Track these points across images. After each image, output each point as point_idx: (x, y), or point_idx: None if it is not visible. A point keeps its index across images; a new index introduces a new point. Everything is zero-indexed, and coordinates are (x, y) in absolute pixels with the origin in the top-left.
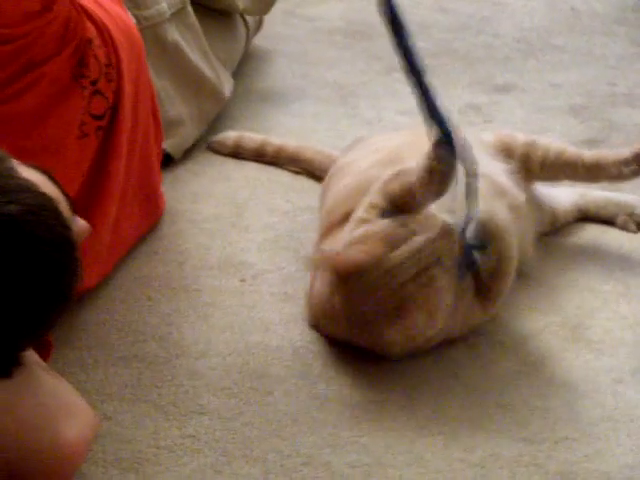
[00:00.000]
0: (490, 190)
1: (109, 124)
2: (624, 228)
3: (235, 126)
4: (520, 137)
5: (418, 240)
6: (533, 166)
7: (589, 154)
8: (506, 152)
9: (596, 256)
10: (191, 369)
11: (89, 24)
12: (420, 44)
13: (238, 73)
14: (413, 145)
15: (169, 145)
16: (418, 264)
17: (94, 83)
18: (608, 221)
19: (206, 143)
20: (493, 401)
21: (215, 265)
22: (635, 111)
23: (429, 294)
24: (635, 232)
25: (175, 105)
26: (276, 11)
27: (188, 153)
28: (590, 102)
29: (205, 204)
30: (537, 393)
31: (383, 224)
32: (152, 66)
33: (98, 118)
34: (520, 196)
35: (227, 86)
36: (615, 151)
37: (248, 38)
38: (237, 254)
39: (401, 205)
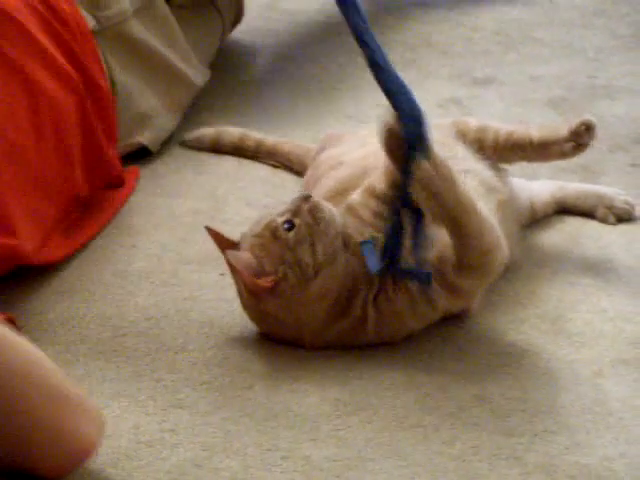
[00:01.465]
0: (480, 187)
1: None
2: (603, 221)
3: (214, 121)
4: (472, 122)
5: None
6: (486, 149)
7: (537, 134)
8: (460, 137)
9: (576, 249)
10: (171, 363)
11: None
12: (399, 37)
13: (217, 67)
14: None
15: (146, 139)
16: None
17: None
18: (587, 213)
19: (181, 140)
20: (472, 394)
21: (194, 259)
22: (614, 103)
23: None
24: (615, 224)
25: (147, 99)
26: (256, 5)
27: (166, 147)
28: (570, 94)
29: (184, 198)
30: (516, 386)
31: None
32: (119, 62)
33: None
34: (506, 192)
35: (200, 76)
36: (557, 129)
37: (224, 29)
38: (216, 248)
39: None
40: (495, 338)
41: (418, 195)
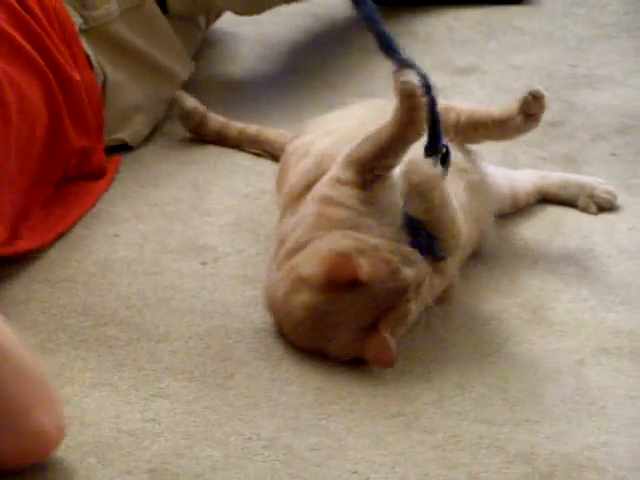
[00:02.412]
0: (450, 168)
1: None
2: (585, 210)
3: None
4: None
5: (412, 274)
6: (449, 129)
7: (497, 112)
8: None
9: (557, 238)
10: (152, 352)
11: None
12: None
13: (198, 57)
14: (371, 122)
15: (127, 135)
16: (415, 290)
17: None
18: (569, 203)
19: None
20: (454, 383)
21: (176, 248)
22: (596, 92)
23: (401, 320)
24: (596, 214)
25: (130, 95)
26: None
27: (148, 137)
28: (551, 84)
29: (166, 187)
30: (498, 375)
31: (379, 241)
32: (106, 60)
33: None
34: (477, 174)
35: (184, 69)
36: (512, 104)
37: (208, 22)
38: (198, 237)
39: (374, 169)
40: (476, 327)
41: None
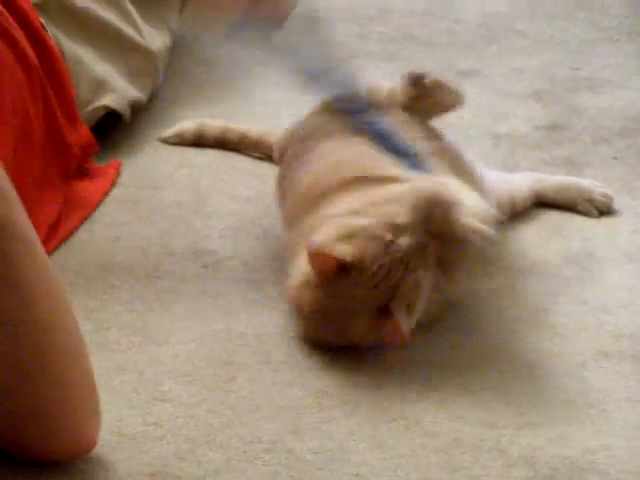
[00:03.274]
0: (449, 169)
1: None
2: (586, 214)
3: (196, 114)
4: (384, 86)
5: (406, 242)
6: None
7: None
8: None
9: (558, 241)
10: (154, 356)
11: None
12: (381, 29)
13: (199, 59)
14: None
15: (110, 101)
16: (406, 267)
17: None
18: (566, 206)
19: (161, 138)
20: (455, 386)
21: (177, 252)
22: (597, 95)
23: (411, 293)
24: (598, 217)
25: (98, 64)
26: None
27: (148, 140)
28: (552, 87)
29: (167, 191)
30: (499, 378)
31: (368, 221)
32: (65, 33)
33: None
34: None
35: (155, 42)
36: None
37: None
38: (199, 241)
39: None
40: (477, 331)
41: None
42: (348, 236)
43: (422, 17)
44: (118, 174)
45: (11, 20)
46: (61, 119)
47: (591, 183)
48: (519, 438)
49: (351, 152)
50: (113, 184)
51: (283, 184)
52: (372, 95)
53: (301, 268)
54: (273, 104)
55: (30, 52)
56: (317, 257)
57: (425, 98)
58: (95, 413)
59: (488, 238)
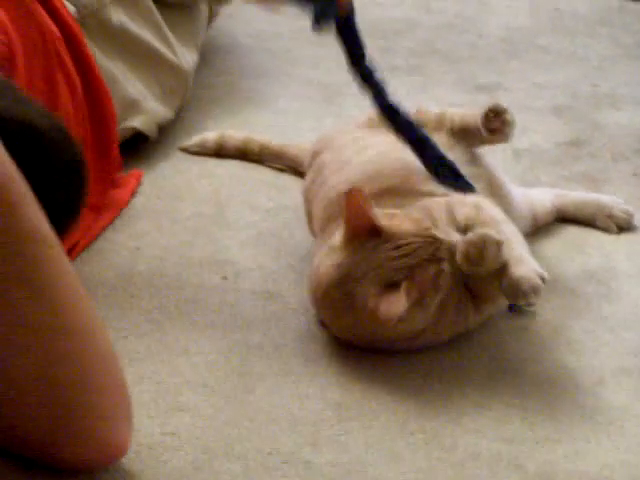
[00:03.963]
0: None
1: None
2: (606, 230)
3: (217, 124)
4: (432, 110)
5: (443, 235)
6: (443, 135)
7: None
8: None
9: (578, 257)
10: (172, 366)
11: None
12: (404, 44)
13: (220, 70)
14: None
15: (139, 123)
16: (433, 254)
17: None
18: (587, 222)
19: (183, 147)
20: (473, 401)
21: (197, 263)
22: (618, 112)
23: (426, 285)
24: (618, 233)
25: (132, 84)
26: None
27: (169, 150)
28: (573, 103)
29: (187, 201)
30: (517, 393)
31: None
32: (100, 50)
33: None
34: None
35: (187, 60)
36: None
37: (212, 12)
38: (219, 252)
39: None
40: (496, 346)
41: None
42: (390, 214)
43: (445, 31)
44: (139, 184)
45: (61, 39)
46: (99, 145)
47: (611, 199)
48: (536, 453)
49: (388, 163)
50: (134, 194)
51: (312, 188)
52: (419, 116)
53: (330, 242)
54: (294, 115)
55: (74, 73)
56: (354, 205)
57: (493, 131)
58: (126, 418)
59: (537, 292)
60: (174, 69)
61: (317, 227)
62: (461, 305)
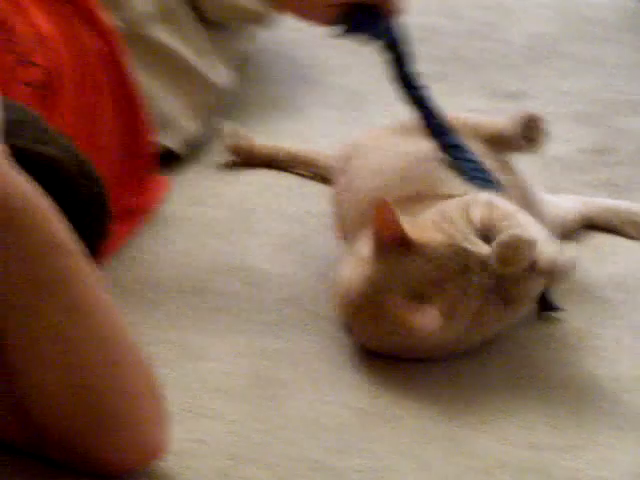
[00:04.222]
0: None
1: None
2: (633, 237)
3: (246, 132)
4: (463, 117)
5: (472, 248)
6: (472, 142)
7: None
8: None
9: (605, 264)
10: (199, 373)
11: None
12: (428, 51)
13: (247, 78)
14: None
15: (171, 142)
16: (463, 266)
17: (24, 53)
18: (613, 229)
19: (209, 157)
20: (499, 408)
21: (223, 269)
22: None
23: (457, 298)
24: None
25: (168, 101)
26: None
27: (195, 157)
28: (597, 109)
29: (214, 208)
30: (543, 399)
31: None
32: (142, 65)
33: (32, 86)
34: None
35: (223, 78)
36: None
37: (249, 34)
38: (245, 258)
39: None
40: (521, 352)
41: None
42: (417, 224)
43: (470, 38)
44: (166, 190)
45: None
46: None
47: (637, 206)
48: (562, 460)
49: (415, 169)
50: (161, 200)
51: (342, 193)
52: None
53: (358, 251)
54: (321, 122)
55: (116, 88)
56: (384, 217)
57: (526, 139)
58: (160, 421)
59: (567, 276)
60: (211, 87)
61: (347, 232)
62: (492, 310)
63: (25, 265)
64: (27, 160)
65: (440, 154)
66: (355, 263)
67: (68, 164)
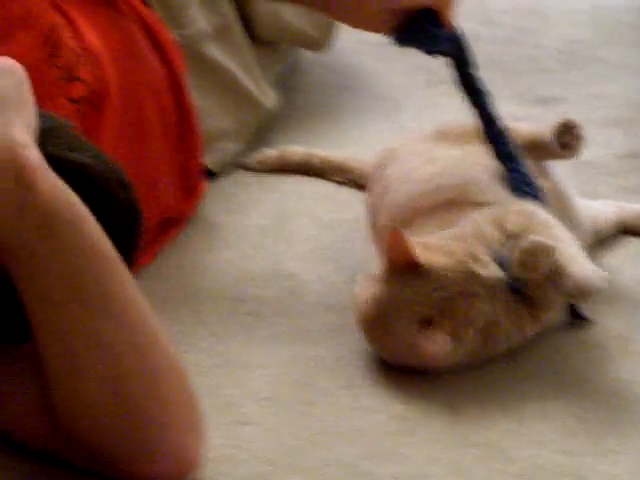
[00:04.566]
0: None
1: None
2: None
3: (278, 138)
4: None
5: (480, 271)
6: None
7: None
8: None
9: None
10: (235, 380)
11: (55, 13)
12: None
13: (281, 85)
14: (471, 153)
15: (209, 161)
16: (467, 288)
17: (70, 68)
18: None
19: (243, 164)
20: (534, 412)
21: (259, 276)
22: None
23: (462, 319)
24: None
25: (216, 120)
26: None
27: (232, 164)
28: (633, 114)
29: (249, 215)
30: (580, 405)
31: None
32: (193, 82)
33: (77, 102)
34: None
35: (271, 99)
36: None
37: (295, 50)
38: (281, 265)
39: None
40: (557, 358)
41: None
42: (430, 248)
43: (505, 44)
44: (202, 197)
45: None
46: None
47: None
48: (599, 466)
49: (449, 176)
50: (198, 208)
51: (377, 200)
52: None
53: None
54: (354, 128)
55: (170, 104)
56: (396, 243)
57: (564, 145)
58: (198, 432)
59: (597, 289)
60: (257, 107)
61: (381, 239)
62: (515, 318)
63: (68, 271)
64: (60, 167)
65: (489, 161)
66: (370, 281)
67: (100, 171)
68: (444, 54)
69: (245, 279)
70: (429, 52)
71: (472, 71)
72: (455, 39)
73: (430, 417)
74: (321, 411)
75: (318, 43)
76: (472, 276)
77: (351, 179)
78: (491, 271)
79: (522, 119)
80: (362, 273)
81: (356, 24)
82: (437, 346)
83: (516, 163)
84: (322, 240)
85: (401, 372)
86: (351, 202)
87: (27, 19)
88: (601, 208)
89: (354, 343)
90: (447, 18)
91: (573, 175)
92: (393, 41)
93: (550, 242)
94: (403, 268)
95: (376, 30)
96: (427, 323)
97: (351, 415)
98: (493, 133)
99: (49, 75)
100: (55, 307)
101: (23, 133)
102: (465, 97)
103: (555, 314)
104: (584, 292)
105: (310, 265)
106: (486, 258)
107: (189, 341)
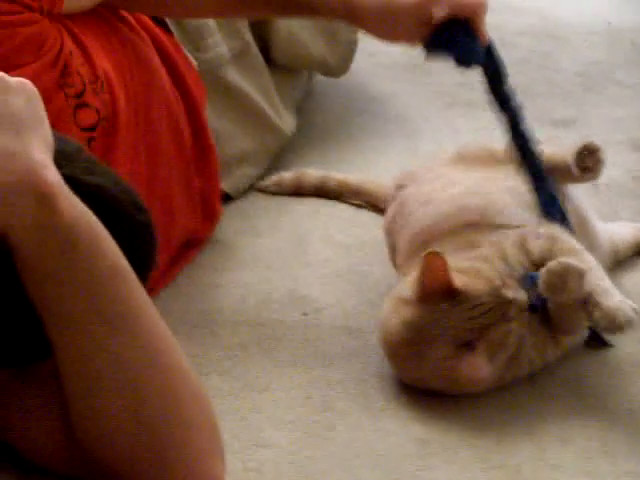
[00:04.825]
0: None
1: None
2: None
3: (296, 161)
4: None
5: (512, 294)
6: None
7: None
8: None
9: None
10: (254, 403)
11: (66, 38)
12: (480, 78)
13: (299, 108)
14: (492, 177)
15: (227, 186)
16: (504, 314)
17: (79, 96)
18: None
19: (259, 187)
20: (555, 435)
21: (277, 299)
22: None
23: (498, 341)
24: None
25: (235, 145)
26: None
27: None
28: None
29: (267, 238)
30: (598, 426)
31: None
32: (212, 106)
33: (88, 130)
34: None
35: (289, 124)
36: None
37: (310, 74)
38: (299, 288)
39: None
40: (576, 380)
41: None
42: (459, 270)
43: (521, 66)
44: (219, 220)
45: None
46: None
47: None
48: None
49: (470, 199)
50: (214, 230)
51: (396, 222)
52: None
53: (400, 289)
54: (371, 151)
55: (186, 128)
56: (432, 268)
57: (584, 169)
58: (218, 454)
59: (632, 323)
60: (275, 131)
61: (400, 260)
62: (538, 342)
63: (88, 291)
64: (76, 189)
65: (510, 182)
66: (397, 303)
67: (116, 193)
68: (477, 64)
69: (263, 301)
70: (462, 63)
71: (505, 82)
72: (488, 50)
73: (449, 439)
74: (340, 434)
75: (336, 69)
76: (505, 300)
77: (368, 202)
78: (521, 295)
79: (541, 142)
80: (387, 296)
81: (387, 36)
82: (479, 371)
83: (545, 183)
84: (339, 263)
85: (420, 395)
86: (368, 225)
87: (37, 45)
88: (619, 230)
89: (373, 366)
90: (479, 28)
91: (592, 197)
92: (424, 52)
93: (580, 265)
94: (438, 292)
95: (408, 41)
96: (466, 348)
97: (370, 438)
98: (524, 148)
99: (58, 102)
100: (75, 326)
101: (41, 153)
102: (495, 109)
103: (576, 339)
104: (616, 324)
105: (328, 288)
106: (513, 282)
107: (208, 363)
